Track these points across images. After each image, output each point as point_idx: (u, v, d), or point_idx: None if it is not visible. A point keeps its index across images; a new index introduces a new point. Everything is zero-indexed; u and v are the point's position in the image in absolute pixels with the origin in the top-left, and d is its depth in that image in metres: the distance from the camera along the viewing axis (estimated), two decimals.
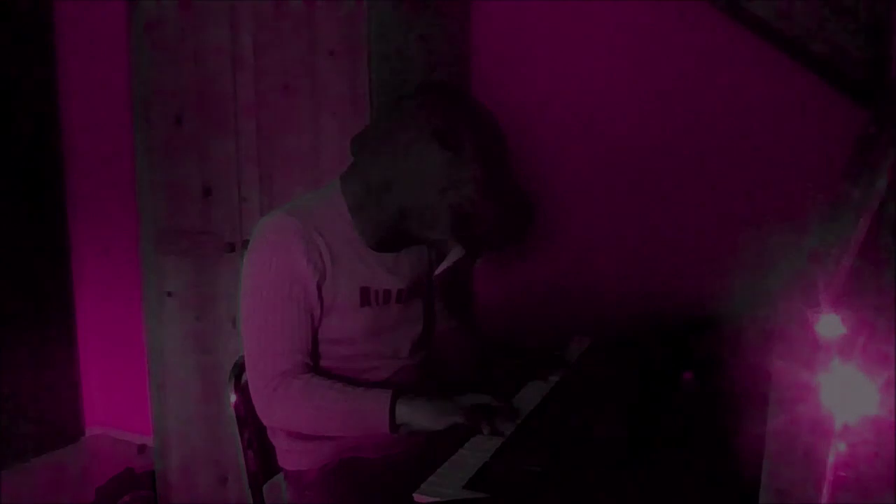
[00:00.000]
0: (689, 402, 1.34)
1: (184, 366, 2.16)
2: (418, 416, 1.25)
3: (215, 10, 1.97)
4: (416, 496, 1.04)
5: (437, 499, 1.03)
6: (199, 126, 2.05)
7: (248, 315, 1.34)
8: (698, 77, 1.90)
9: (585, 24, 2.02)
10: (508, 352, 1.65)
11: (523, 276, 2.18)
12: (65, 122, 2.85)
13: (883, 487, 0.72)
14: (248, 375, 1.36)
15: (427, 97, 1.33)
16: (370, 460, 1.40)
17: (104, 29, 2.64)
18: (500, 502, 1.04)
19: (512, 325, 2.15)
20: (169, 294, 2.15)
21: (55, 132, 2.83)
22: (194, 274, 2.11)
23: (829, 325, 0.81)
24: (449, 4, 2.06)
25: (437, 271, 1.44)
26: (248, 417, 1.42)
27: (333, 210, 1.38)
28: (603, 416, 1.34)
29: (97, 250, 2.88)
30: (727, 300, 1.45)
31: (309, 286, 1.31)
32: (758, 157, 1.85)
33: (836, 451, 0.74)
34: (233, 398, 1.43)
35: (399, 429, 1.27)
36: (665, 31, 1.92)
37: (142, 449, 2.70)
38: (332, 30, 1.82)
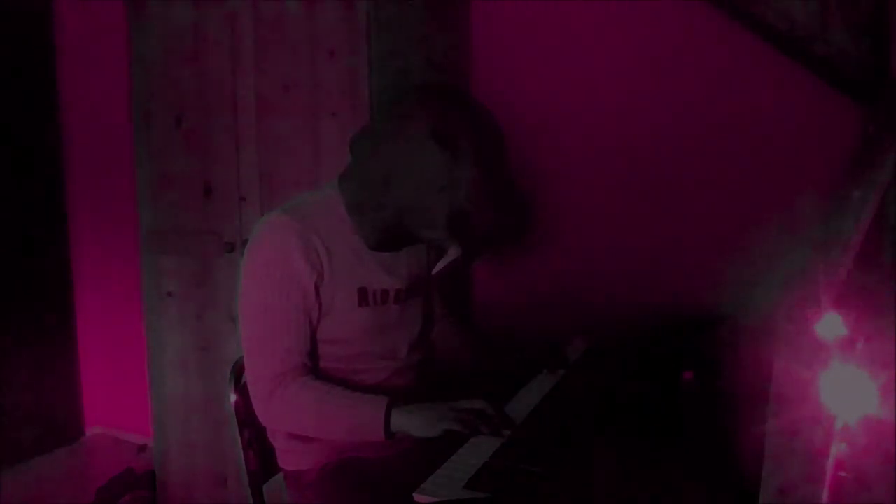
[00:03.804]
0: (689, 402, 1.34)
1: (184, 366, 2.16)
2: (413, 423, 1.25)
3: (215, 10, 1.98)
4: (416, 496, 1.04)
5: (437, 499, 1.03)
6: (199, 126, 2.05)
7: (247, 315, 1.34)
8: (698, 78, 1.90)
9: (586, 25, 2.02)
10: (508, 352, 1.65)
11: (523, 276, 2.18)
12: (65, 122, 2.85)
13: (883, 487, 0.72)
14: (246, 376, 1.36)
15: (426, 97, 1.33)
16: (370, 460, 1.40)
17: (104, 29, 2.64)
18: (500, 502, 1.04)
19: (512, 325, 2.15)
20: (169, 294, 2.15)
21: (55, 132, 2.83)
22: (194, 274, 2.11)
23: (829, 325, 0.81)
24: (449, 4, 2.06)
25: (435, 270, 1.45)
26: (248, 417, 1.42)
27: (331, 210, 1.38)
28: (603, 416, 1.34)
29: (97, 250, 2.88)
30: (727, 300, 1.45)
31: (307, 286, 1.31)
32: (758, 158, 1.85)
33: (836, 451, 0.74)
34: (233, 398, 1.43)
35: (394, 436, 1.27)
36: (666, 32, 1.92)
37: (142, 449, 2.70)
38: (332, 30, 1.82)
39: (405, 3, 1.87)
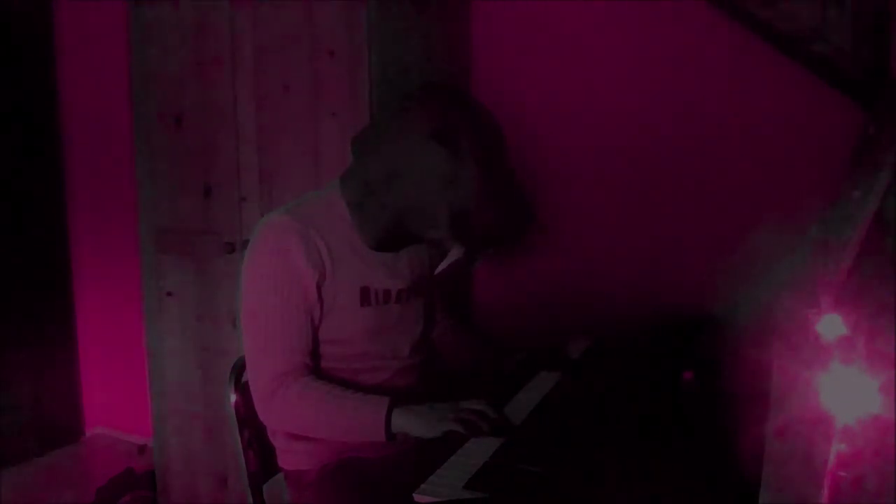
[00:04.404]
0: (689, 402, 1.34)
1: (184, 366, 2.16)
2: (414, 424, 1.25)
3: (215, 11, 1.98)
4: (416, 496, 1.04)
5: (437, 499, 1.03)
6: (199, 126, 2.05)
7: (248, 316, 1.34)
8: (699, 77, 1.90)
9: (586, 25, 2.02)
10: (508, 352, 1.65)
11: (523, 276, 2.18)
12: (65, 122, 2.85)
13: (883, 487, 0.72)
14: (248, 376, 1.36)
15: (427, 97, 1.33)
16: (370, 460, 1.40)
17: (104, 29, 2.64)
18: (500, 502, 1.04)
19: (512, 325, 2.15)
20: (169, 294, 2.15)
21: (55, 133, 2.83)
22: (194, 274, 2.11)
23: (829, 325, 0.81)
24: (449, 4, 2.06)
25: (437, 271, 1.45)
26: (248, 417, 1.42)
27: (333, 210, 1.38)
28: (603, 416, 1.34)
29: (97, 250, 2.88)
30: (727, 300, 1.45)
31: (308, 287, 1.31)
32: (758, 158, 1.85)
33: (836, 451, 0.74)
34: (233, 398, 1.44)
35: (395, 437, 1.27)
36: (665, 31, 1.92)
37: (142, 449, 2.70)
38: (332, 30, 1.82)
39: (405, 3, 1.87)
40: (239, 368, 1.44)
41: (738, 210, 1.87)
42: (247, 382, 1.38)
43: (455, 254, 1.37)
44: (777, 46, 1.77)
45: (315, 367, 1.37)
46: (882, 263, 0.90)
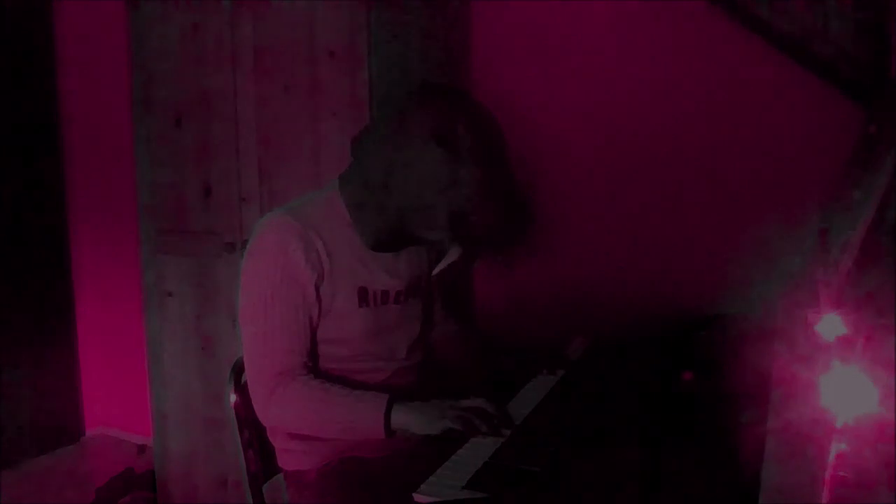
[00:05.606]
0: (688, 402, 1.34)
1: (184, 366, 2.16)
2: (413, 421, 1.25)
3: (215, 11, 1.98)
4: (416, 496, 1.04)
5: (437, 499, 1.03)
6: (199, 126, 2.05)
7: (247, 316, 1.34)
8: (699, 77, 1.90)
9: (586, 26, 2.02)
10: (508, 352, 1.65)
11: (523, 276, 2.18)
12: (65, 122, 2.85)
13: (883, 487, 0.72)
14: (246, 376, 1.36)
15: (427, 98, 1.33)
16: (370, 460, 1.40)
17: (104, 29, 2.64)
18: (500, 502, 1.04)
19: (512, 325, 2.15)
20: (169, 294, 2.15)
21: (55, 132, 2.83)
22: (194, 274, 2.11)
23: (829, 325, 0.81)
24: (449, 4, 2.06)
25: (435, 271, 1.45)
26: (248, 417, 1.42)
27: (332, 210, 1.38)
28: (603, 416, 1.34)
29: (97, 250, 2.88)
30: (728, 300, 1.45)
31: (307, 287, 1.31)
32: (758, 158, 1.85)
33: (836, 451, 0.74)
34: (233, 398, 1.44)
35: (395, 433, 1.27)
36: (666, 31, 1.92)
37: (142, 449, 2.70)
38: (332, 30, 1.82)
39: (405, 3, 1.87)
40: (239, 368, 1.44)
41: (737, 210, 1.87)
42: (247, 382, 1.38)
43: (453, 254, 1.37)
44: (777, 46, 1.77)
45: (313, 367, 1.36)
46: (882, 263, 0.90)
